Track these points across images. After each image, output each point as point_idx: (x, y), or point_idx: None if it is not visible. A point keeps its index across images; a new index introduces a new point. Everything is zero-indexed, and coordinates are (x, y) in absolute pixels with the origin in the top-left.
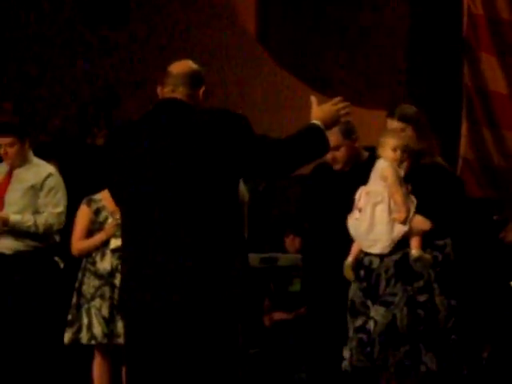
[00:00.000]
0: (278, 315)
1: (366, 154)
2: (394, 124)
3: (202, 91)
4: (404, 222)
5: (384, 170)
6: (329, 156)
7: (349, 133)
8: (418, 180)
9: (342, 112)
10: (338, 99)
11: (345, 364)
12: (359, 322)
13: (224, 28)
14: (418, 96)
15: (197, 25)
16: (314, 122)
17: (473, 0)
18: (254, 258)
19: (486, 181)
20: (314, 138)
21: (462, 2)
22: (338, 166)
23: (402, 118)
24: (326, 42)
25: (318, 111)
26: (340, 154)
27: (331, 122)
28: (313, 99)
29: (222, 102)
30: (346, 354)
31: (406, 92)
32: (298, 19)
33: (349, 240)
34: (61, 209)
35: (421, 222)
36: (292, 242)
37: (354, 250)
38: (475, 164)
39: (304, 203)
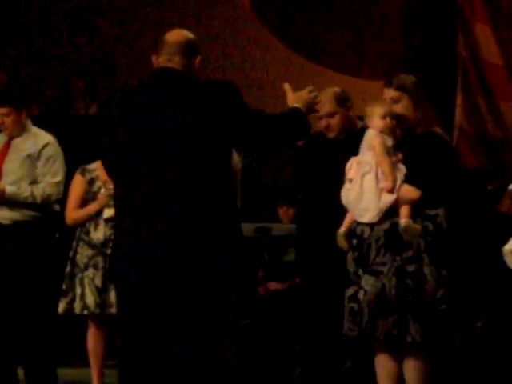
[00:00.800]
0: (273, 285)
1: (360, 123)
2: (390, 93)
3: (197, 60)
4: (391, 191)
5: (371, 139)
6: (323, 123)
7: (343, 101)
8: (410, 149)
9: (316, 99)
10: (311, 87)
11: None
12: (351, 291)
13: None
14: (414, 66)
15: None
16: (295, 105)
17: None
18: (247, 228)
19: (481, 151)
20: (299, 118)
21: None
22: (331, 134)
23: (400, 88)
24: (321, 14)
25: (295, 98)
26: (334, 121)
27: (308, 109)
28: (286, 87)
29: (217, 75)
30: (345, 323)
31: (402, 63)
32: None
33: (342, 209)
34: (59, 178)
35: (409, 191)
36: (286, 212)
37: (347, 219)
38: (471, 134)
39: (298, 173)
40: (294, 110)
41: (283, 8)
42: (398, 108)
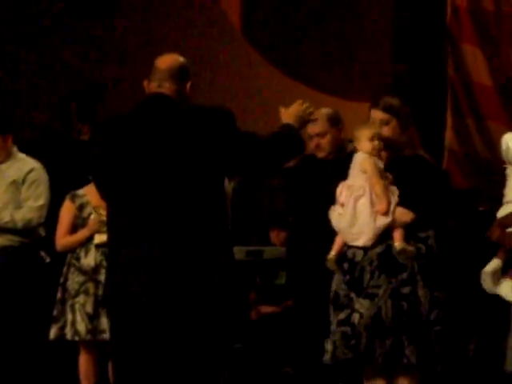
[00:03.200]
0: (265, 308)
1: (351, 145)
2: (377, 114)
3: (188, 85)
4: (386, 213)
5: (363, 162)
6: (313, 143)
7: (335, 121)
8: (399, 171)
9: (308, 111)
10: (301, 101)
11: (327, 357)
12: (343, 315)
13: (210, 22)
14: (403, 88)
15: (182, 19)
16: (288, 122)
17: None
18: (239, 251)
19: (471, 171)
20: (291, 136)
21: None
22: (321, 154)
23: (387, 109)
24: (310, 35)
25: (287, 114)
26: (325, 141)
27: (301, 123)
28: (281, 109)
29: (209, 96)
30: (329, 347)
31: (391, 84)
32: (281, 13)
33: (332, 232)
34: (41, 202)
35: (403, 214)
36: (277, 236)
37: (337, 243)
38: (460, 155)
39: (289, 195)
40: (286, 126)
41: (272, 30)
42: (386, 130)
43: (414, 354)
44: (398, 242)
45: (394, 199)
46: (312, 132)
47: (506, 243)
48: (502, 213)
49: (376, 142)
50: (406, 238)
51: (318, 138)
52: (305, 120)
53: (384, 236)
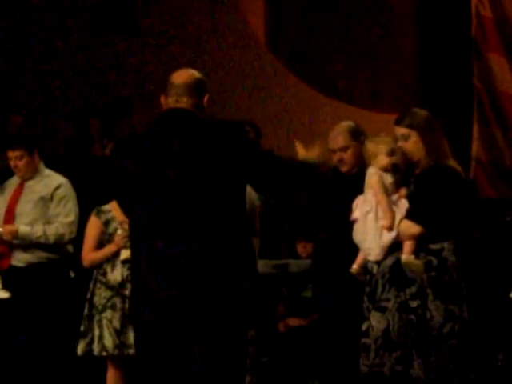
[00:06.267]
0: (293, 321)
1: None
2: (399, 130)
3: (206, 99)
4: (389, 229)
5: (369, 178)
6: (336, 157)
7: (357, 134)
8: (417, 184)
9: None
10: (320, 141)
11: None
12: (364, 326)
13: (234, 36)
14: (429, 99)
15: (207, 33)
16: (308, 157)
17: (481, 1)
18: (265, 265)
19: (498, 181)
20: (307, 169)
21: (471, 3)
22: (344, 168)
23: (407, 124)
24: (335, 47)
25: (307, 154)
26: (347, 155)
27: (320, 162)
28: (297, 143)
29: (232, 110)
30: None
31: (417, 95)
32: (306, 25)
33: (355, 245)
34: (72, 218)
35: (409, 227)
36: (304, 248)
37: (359, 256)
38: (487, 165)
39: (312, 208)
40: (306, 159)
41: (297, 42)
42: (408, 145)
43: (421, 368)
44: (404, 255)
45: (400, 214)
46: (334, 146)
47: None
48: None
49: (387, 158)
50: (418, 250)
51: (341, 153)
52: (324, 162)
53: (395, 248)
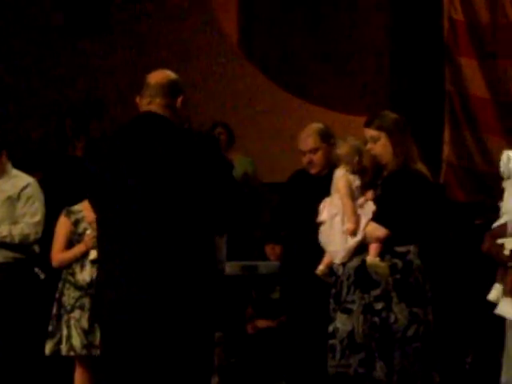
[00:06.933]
0: (261, 323)
1: None
2: (369, 132)
3: (179, 100)
4: (352, 234)
5: (337, 181)
6: (306, 159)
7: (327, 136)
8: (384, 187)
9: None
10: None
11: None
12: (331, 328)
13: (207, 38)
14: (401, 102)
15: (179, 34)
16: None
17: (453, 5)
18: (234, 266)
19: (469, 185)
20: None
21: (443, 7)
22: (314, 170)
23: (377, 126)
24: (307, 49)
25: None
26: (317, 157)
27: None
28: None
29: (204, 109)
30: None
31: (388, 98)
32: (278, 27)
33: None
34: (38, 218)
35: (375, 229)
36: (272, 250)
37: (326, 257)
38: (458, 168)
39: (281, 210)
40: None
41: (269, 44)
42: (377, 147)
43: (383, 370)
44: (369, 257)
45: (366, 217)
46: (304, 148)
47: (493, 254)
48: (495, 225)
49: (355, 160)
50: (384, 253)
51: (310, 155)
52: None
53: (360, 250)
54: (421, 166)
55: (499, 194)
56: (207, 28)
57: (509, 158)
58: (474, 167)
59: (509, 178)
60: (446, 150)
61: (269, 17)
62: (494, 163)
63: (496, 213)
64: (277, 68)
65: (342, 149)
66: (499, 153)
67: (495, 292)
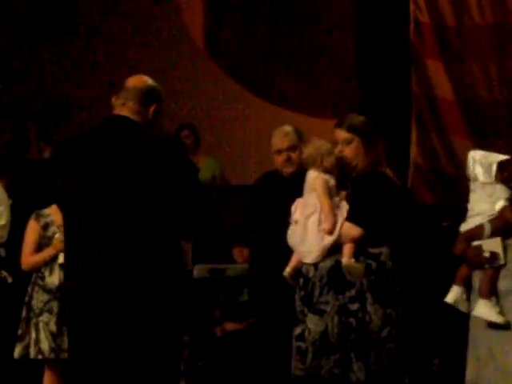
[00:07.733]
0: (230, 326)
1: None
2: (342, 134)
3: (152, 109)
4: (329, 233)
5: (313, 181)
6: (283, 157)
7: (301, 136)
8: (355, 187)
9: None
10: None
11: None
12: (299, 329)
13: (173, 40)
14: (368, 104)
15: (146, 35)
16: None
17: (419, 8)
18: (202, 269)
19: (436, 186)
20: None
21: (409, 9)
22: (291, 169)
23: (351, 129)
24: (274, 52)
25: None
26: (295, 155)
27: None
28: None
29: (173, 115)
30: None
31: (355, 100)
32: (244, 30)
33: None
34: (2, 222)
35: (350, 229)
36: (240, 253)
37: (293, 259)
38: (425, 170)
39: (251, 212)
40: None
41: (236, 46)
42: (349, 149)
43: (362, 370)
44: (344, 258)
45: (342, 217)
46: (282, 146)
47: (470, 257)
48: (465, 227)
49: (329, 160)
50: (358, 254)
51: (289, 152)
52: None
53: (334, 251)
54: (388, 171)
55: (466, 195)
56: (174, 30)
57: (474, 160)
58: (440, 169)
59: (475, 179)
60: (414, 152)
61: (235, 20)
62: (461, 165)
63: (463, 215)
64: (244, 71)
65: (314, 148)
66: (466, 154)
67: (452, 294)
